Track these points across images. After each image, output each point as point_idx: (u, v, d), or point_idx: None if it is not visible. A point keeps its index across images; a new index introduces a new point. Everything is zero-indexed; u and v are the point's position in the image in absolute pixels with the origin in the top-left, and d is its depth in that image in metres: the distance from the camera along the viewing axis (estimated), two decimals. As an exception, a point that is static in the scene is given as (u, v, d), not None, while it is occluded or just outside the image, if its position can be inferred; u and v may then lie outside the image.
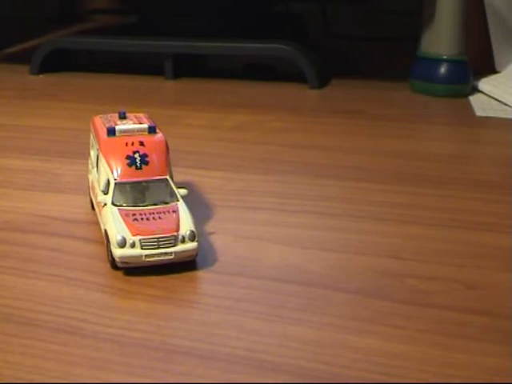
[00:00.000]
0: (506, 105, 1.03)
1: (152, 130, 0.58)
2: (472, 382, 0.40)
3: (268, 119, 0.95)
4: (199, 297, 0.49)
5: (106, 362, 0.42)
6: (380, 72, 1.25)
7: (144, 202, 0.54)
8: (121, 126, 0.57)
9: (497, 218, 0.63)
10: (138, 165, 0.55)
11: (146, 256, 0.51)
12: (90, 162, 0.63)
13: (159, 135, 0.58)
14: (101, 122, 0.60)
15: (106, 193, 0.55)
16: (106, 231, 0.53)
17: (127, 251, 0.51)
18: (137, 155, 0.55)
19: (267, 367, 0.41)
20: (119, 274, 0.52)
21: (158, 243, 0.51)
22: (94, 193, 0.59)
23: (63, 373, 0.41)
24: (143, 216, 0.53)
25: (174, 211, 0.53)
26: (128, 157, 0.55)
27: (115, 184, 0.54)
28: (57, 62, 1.23)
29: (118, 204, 0.54)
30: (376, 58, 1.39)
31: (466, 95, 1.08)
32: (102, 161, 0.56)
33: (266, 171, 0.75)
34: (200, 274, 0.53)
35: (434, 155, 0.81)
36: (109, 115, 0.61)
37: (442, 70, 1.08)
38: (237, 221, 0.62)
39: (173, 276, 0.52)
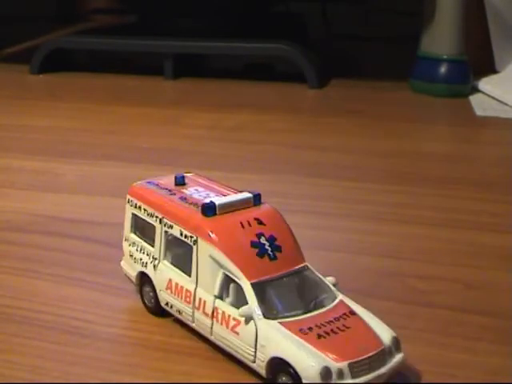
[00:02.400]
0: (506, 104, 1.03)
1: (258, 199, 0.43)
2: (472, 381, 0.40)
3: (268, 119, 0.95)
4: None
5: (105, 361, 0.42)
6: (380, 72, 1.25)
7: (304, 305, 0.40)
8: (220, 199, 0.42)
9: (497, 217, 0.63)
10: (271, 253, 0.41)
11: None
12: (135, 250, 0.47)
13: (267, 205, 0.44)
14: (161, 194, 0.45)
15: (222, 298, 0.41)
16: (275, 361, 0.37)
17: None
18: (263, 239, 0.41)
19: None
20: (119, 273, 0.52)
21: (369, 365, 0.37)
22: (183, 299, 0.43)
23: (63, 372, 0.40)
24: (325, 329, 0.38)
25: (351, 313, 0.40)
26: (254, 244, 0.41)
27: (253, 285, 0.39)
28: (57, 62, 1.23)
29: (272, 316, 0.38)
30: (376, 57, 1.39)
31: (466, 95, 1.08)
32: (210, 252, 0.41)
33: (266, 171, 0.75)
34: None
35: (434, 155, 0.81)
36: (156, 181, 0.47)
37: (442, 69, 1.08)
38: (237, 221, 0.62)
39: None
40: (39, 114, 0.97)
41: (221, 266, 0.40)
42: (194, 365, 0.41)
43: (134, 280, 0.47)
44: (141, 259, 0.46)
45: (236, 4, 1.24)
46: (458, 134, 0.92)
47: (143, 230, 0.46)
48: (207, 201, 0.42)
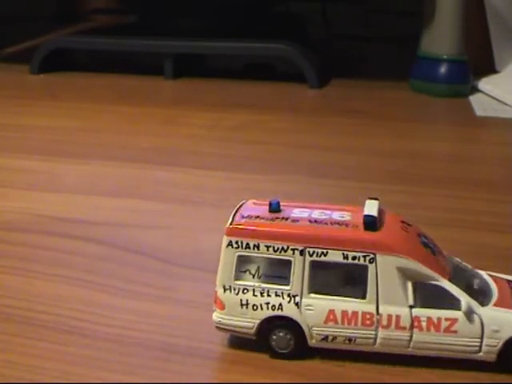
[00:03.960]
0: (506, 104, 1.03)
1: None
2: (472, 381, 0.40)
3: (268, 119, 0.95)
4: (199, 296, 0.49)
5: (105, 361, 0.42)
6: (380, 72, 1.25)
7: (479, 286, 0.43)
8: (369, 211, 0.41)
9: (497, 217, 0.63)
10: (435, 249, 0.42)
11: None
12: (252, 296, 0.42)
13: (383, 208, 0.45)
14: (284, 223, 0.41)
15: (416, 306, 0.40)
16: None
17: None
18: (424, 239, 0.42)
19: (267, 367, 0.41)
20: (118, 273, 0.52)
21: None
22: (360, 324, 0.40)
23: (63, 372, 0.40)
24: None
25: (509, 281, 0.44)
26: (424, 244, 0.42)
27: (451, 282, 0.41)
28: (57, 62, 1.23)
29: (484, 302, 0.41)
30: (376, 57, 1.39)
31: (466, 95, 1.08)
32: (398, 263, 0.40)
33: (266, 171, 0.75)
34: (200, 274, 0.52)
35: (434, 155, 0.81)
36: (249, 214, 0.43)
37: (442, 69, 1.08)
38: (237, 221, 0.62)
39: (172, 276, 0.52)
40: (39, 113, 0.97)
41: (412, 274, 0.40)
42: (193, 365, 0.41)
43: (249, 331, 0.42)
44: (267, 303, 0.41)
45: (236, 4, 1.24)
46: (458, 133, 0.92)
47: (259, 270, 0.42)
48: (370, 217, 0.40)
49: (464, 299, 0.40)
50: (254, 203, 0.44)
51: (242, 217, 0.42)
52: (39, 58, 1.20)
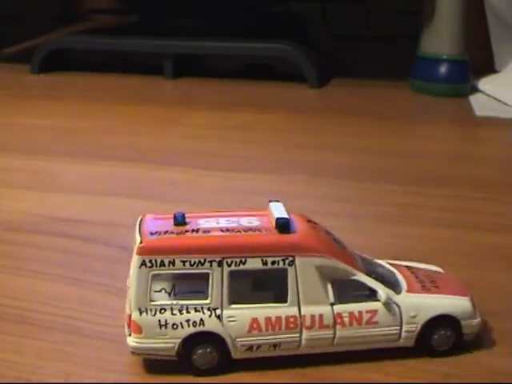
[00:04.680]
0: (506, 104, 1.03)
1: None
2: (472, 381, 0.40)
3: (268, 119, 0.95)
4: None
5: (105, 361, 0.42)
6: (380, 72, 1.25)
7: (387, 275, 0.44)
8: (279, 214, 0.41)
9: (497, 217, 0.63)
10: (341, 243, 0.43)
11: None
12: (170, 315, 0.39)
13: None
14: (195, 236, 0.40)
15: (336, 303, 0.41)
16: (430, 322, 0.41)
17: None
18: (331, 235, 0.43)
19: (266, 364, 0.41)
20: (117, 273, 0.52)
21: None
22: (284, 328, 0.40)
23: (61, 372, 0.40)
24: (427, 282, 0.44)
25: (409, 267, 0.46)
26: (335, 240, 0.42)
27: (367, 275, 0.42)
28: (57, 62, 1.23)
29: (398, 290, 0.42)
30: (376, 57, 1.39)
31: (466, 95, 1.08)
32: (317, 263, 0.40)
33: (266, 171, 0.75)
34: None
35: (434, 155, 0.81)
36: (156, 230, 0.40)
37: (442, 69, 1.08)
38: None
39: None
40: (39, 113, 0.97)
41: (330, 271, 0.40)
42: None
43: (169, 352, 0.40)
44: (188, 320, 0.39)
45: (236, 4, 1.24)
46: (458, 133, 0.92)
47: (174, 287, 0.40)
48: (276, 219, 0.40)
49: (381, 290, 0.41)
50: (155, 218, 0.42)
51: (151, 233, 0.40)
52: (39, 58, 1.20)
